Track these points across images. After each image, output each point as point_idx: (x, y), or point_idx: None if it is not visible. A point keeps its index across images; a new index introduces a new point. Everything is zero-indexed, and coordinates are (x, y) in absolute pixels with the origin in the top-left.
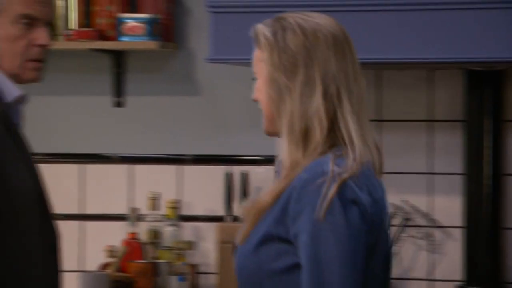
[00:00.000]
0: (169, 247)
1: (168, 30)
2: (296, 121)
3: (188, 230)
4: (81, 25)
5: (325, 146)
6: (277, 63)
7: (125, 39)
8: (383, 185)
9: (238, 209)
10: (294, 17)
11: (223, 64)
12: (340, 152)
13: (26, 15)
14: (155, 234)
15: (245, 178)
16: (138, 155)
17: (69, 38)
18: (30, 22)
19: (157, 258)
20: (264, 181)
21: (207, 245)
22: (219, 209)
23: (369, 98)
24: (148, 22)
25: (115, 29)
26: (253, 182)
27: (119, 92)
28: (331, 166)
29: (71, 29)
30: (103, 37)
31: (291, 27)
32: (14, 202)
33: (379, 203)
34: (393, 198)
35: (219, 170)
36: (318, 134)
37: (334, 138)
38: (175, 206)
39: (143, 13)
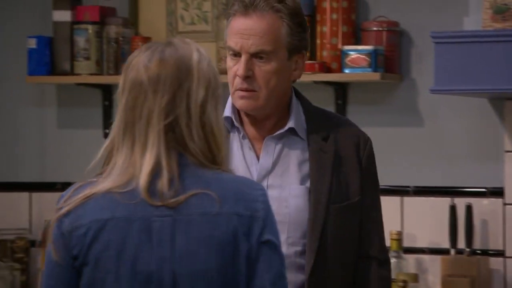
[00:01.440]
0: (392, 279)
1: (391, 61)
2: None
3: (411, 262)
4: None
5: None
6: None
7: (348, 71)
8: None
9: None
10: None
11: (446, 95)
12: (90, 180)
13: (229, 47)
14: None
15: (469, 210)
16: None
17: None
18: (234, 53)
19: None
20: (489, 213)
21: (431, 278)
22: (443, 242)
23: None
24: (372, 53)
25: (339, 61)
26: (478, 215)
27: None
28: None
29: None
30: (327, 69)
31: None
32: None
33: (89, 229)
34: None
35: (442, 202)
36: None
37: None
38: (399, 237)
39: (367, 45)
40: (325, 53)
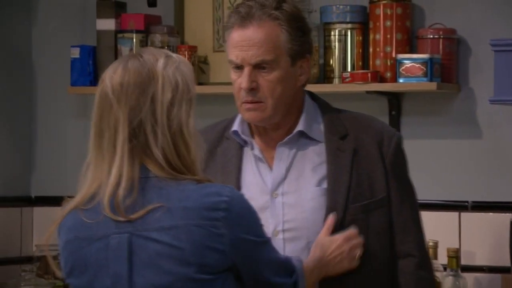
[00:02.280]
0: None
1: (448, 70)
2: None
3: (470, 281)
4: (358, 67)
5: None
6: None
7: (403, 80)
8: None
9: None
10: None
11: (507, 105)
12: None
13: (230, 61)
14: (436, 284)
15: None
16: None
17: (345, 80)
18: (236, 66)
19: None
20: None
21: None
22: (503, 260)
23: None
24: (428, 62)
25: (393, 71)
26: None
27: None
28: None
29: (348, 72)
30: (381, 78)
31: None
32: None
33: (63, 251)
34: None
35: (502, 218)
36: None
37: None
38: (456, 255)
39: (423, 53)
40: (378, 62)
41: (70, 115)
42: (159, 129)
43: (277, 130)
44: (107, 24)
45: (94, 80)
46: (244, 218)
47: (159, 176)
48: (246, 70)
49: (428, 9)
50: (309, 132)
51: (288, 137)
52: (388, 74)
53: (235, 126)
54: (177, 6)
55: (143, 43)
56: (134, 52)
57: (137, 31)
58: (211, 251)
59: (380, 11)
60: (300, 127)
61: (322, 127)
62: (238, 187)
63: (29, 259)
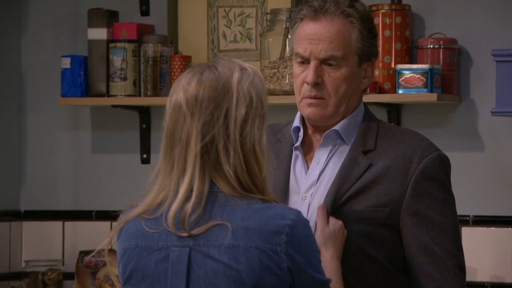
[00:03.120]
0: None
1: (449, 81)
2: None
3: None
4: None
5: None
6: None
7: (402, 91)
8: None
9: None
10: None
11: (509, 117)
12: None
13: (297, 53)
14: None
15: None
16: None
17: None
18: (302, 60)
19: None
20: None
21: None
22: (506, 276)
23: None
24: (428, 73)
25: (392, 81)
26: None
27: None
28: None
29: None
30: (380, 89)
31: None
32: None
33: (122, 257)
34: None
35: (505, 233)
36: None
37: None
38: None
39: (423, 64)
40: (377, 73)
41: (61, 127)
42: (231, 146)
43: None
44: (99, 34)
45: (85, 91)
46: (305, 245)
47: (226, 193)
48: (313, 64)
49: (429, 19)
50: (345, 135)
51: (323, 136)
52: (387, 85)
53: (297, 123)
54: (170, 15)
55: (136, 53)
56: (208, 61)
57: (130, 41)
58: (269, 274)
59: (379, 20)
60: (337, 127)
61: (356, 135)
62: (286, 191)
63: (18, 275)
